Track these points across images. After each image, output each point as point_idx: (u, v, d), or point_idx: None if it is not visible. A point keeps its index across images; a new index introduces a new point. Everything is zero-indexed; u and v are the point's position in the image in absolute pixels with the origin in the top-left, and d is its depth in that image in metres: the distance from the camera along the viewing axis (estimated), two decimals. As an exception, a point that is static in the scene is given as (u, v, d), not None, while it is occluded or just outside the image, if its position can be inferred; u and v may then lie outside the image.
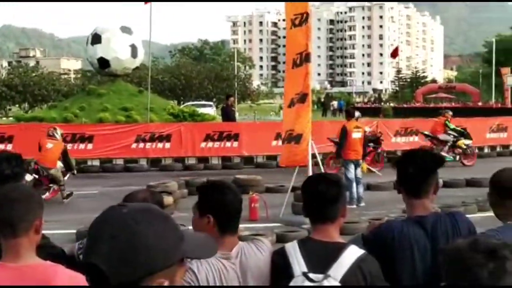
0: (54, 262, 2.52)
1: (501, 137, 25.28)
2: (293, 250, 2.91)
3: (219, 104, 54.28)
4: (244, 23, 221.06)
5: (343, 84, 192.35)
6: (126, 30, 27.09)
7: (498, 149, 25.10)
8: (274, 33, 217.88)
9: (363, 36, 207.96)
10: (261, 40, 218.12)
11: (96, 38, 26.83)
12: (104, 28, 27.43)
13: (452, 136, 20.56)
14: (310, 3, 12.76)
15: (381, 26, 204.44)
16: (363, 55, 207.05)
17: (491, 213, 3.37)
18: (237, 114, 33.18)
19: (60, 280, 2.39)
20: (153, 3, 24.05)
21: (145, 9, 24.18)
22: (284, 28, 14.80)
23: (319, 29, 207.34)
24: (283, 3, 13.07)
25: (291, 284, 2.82)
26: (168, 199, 12.07)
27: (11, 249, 2.47)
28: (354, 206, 13.28)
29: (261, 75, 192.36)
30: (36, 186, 13.65)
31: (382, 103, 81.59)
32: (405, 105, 74.63)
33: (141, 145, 20.57)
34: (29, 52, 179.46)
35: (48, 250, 2.91)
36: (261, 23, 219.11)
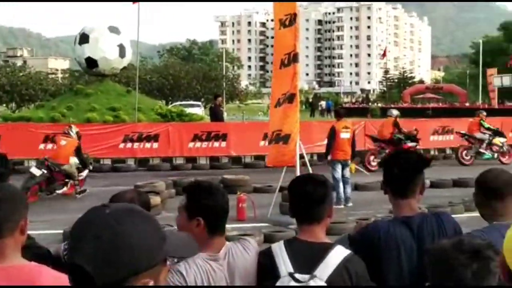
0: (40, 263, 2.50)
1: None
2: (279, 250, 2.91)
3: (207, 104, 54.14)
4: (233, 23, 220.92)
5: (331, 84, 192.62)
6: (114, 30, 27.01)
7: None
8: (262, 33, 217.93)
9: (351, 37, 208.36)
10: (249, 40, 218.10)
11: (83, 38, 26.74)
12: (92, 27, 27.33)
13: (487, 134, 21.42)
14: (298, 3, 12.78)
15: (369, 27, 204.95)
16: (351, 55, 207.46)
17: (477, 213, 3.38)
18: (225, 114, 33.19)
19: (45, 281, 2.38)
20: (141, 3, 24.02)
21: (133, 9, 24.13)
22: (273, 28, 14.81)
23: (307, 29, 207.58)
24: (271, 4, 13.07)
25: (277, 284, 2.82)
26: (155, 199, 12.06)
27: (-3, 250, 2.45)
28: (342, 206, 13.31)
29: (249, 75, 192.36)
30: (50, 182, 14.53)
31: (370, 104, 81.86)
32: (392, 105, 74.77)
33: (129, 145, 20.52)
34: (17, 52, 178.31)
35: (34, 251, 2.90)
36: (249, 23, 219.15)
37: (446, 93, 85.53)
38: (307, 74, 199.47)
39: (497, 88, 57.13)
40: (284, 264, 2.85)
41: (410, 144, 19.25)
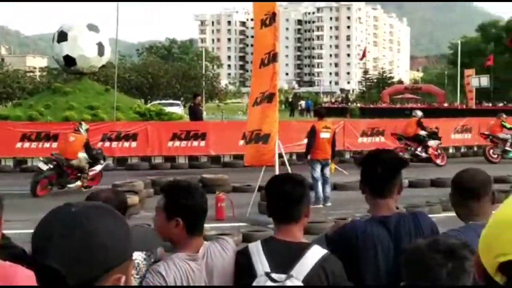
0: (15, 263, 2.48)
1: (465, 138, 25.63)
2: (256, 250, 2.91)
3: (186, 103, 54.06)
4: (212, 22, 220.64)
5: (310, 84, 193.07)
6: (93, 28, 26.88)
7: (462, 149, 25.48)
8: (242, 32, 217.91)
9: (330, 37, 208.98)
10: (229, 39, 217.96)
11: (62, 36, 26.57)
12: (71, 25, 27.18)
13: (510, 135, 22.39)
14: (278, 3, 12.79)
15: (348, 27, 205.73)
16: (330, 55, 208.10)
17: (455, 213, 3.40)
18: (204, 113, 33.12)
19: (20, 280, 2.35)
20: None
21: (112, 7, 24.01)
22: (252, 28, 14.81)
23: (287, 29, 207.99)
24: (251, 3, 13.06)
25: (254, 284, 2.82)
26: (134, 199, 12.01)
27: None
28: (321, 206, 13.33)
29: (229, 74, 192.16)
30: (59, 176, 15.20)
31: (349, 103, 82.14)
32: (371, 106, 75.31)
33: (107, 144, 20.39)
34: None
35: (9, 251, 2.87)
36: (229, 22, 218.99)
37: (424, 94, 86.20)
38: (286, 74, 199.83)
39: (474, 89, 57.61)
40: (261, 263, 2.84)
41: (433, 141, 20.77)
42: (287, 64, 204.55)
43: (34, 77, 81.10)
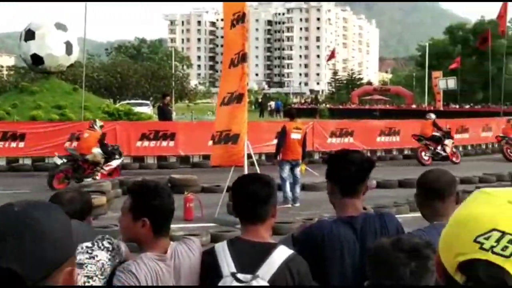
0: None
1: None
2: (222, 250, 2.90)
3: (155, 103, 53.77)
4: (182, 22, 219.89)
5: (280, 84, 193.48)
6: (61, 26, 26.60)
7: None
8: (212, 32, 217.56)
9: (300, 38, 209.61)
10: (199, 39, 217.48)
11: (29, 34, 26.25)
12: (39, 24, 26.87)
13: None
14: (248, 3, 12.79)
15: (318, 28, 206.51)
16: (300, 56, 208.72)
17: (421, 214, 3.43)
18: (174, 114, 32.99)
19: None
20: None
21: (80, 5, 23.76)
22: (222, 28, 14.79)
23: (257, 29, 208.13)
24: (221, 3, 13.04)
25: (220, 284, 2.81)
26: (101, 199, 11.91)
27: None
28: (289, 206, 13.37)
29: (199, 74, 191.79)
30: (75, 170, 15.96)
31: (319, 104, 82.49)
32: (341, 106, 75.67)
33: (75, 143, 20.17)
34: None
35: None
36: (199, 22, 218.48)
37: (393, 95, 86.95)
38: (256, 74, 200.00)
39: (442, 91, 58.25)
40: (227, 264, 2.83)
41: (448, 140, 21.98)
42: (257, 65, 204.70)
43: (1, 76, 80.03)
